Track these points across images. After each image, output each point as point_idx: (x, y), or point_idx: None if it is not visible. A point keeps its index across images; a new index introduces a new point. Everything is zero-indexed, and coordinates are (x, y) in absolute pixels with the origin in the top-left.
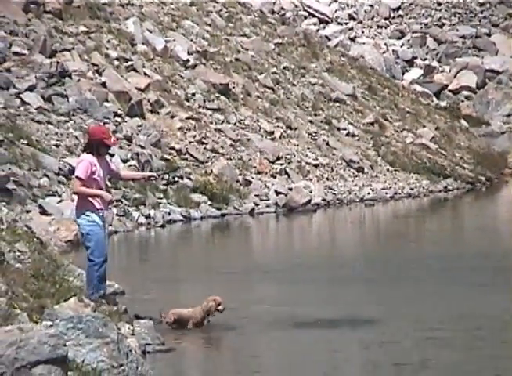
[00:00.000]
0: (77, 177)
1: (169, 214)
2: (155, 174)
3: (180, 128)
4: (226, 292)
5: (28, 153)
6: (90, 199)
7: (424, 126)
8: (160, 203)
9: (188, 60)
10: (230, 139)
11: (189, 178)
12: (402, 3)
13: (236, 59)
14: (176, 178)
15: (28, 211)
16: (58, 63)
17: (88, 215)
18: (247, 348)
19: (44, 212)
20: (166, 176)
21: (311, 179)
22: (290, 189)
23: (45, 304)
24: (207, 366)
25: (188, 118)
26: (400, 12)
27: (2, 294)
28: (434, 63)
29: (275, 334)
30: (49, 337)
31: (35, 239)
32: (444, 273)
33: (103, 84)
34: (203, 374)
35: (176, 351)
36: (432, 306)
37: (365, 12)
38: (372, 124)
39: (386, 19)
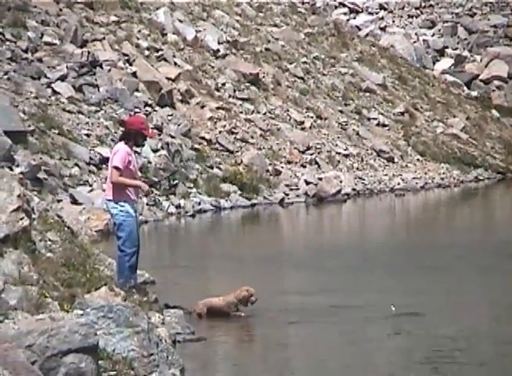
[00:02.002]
0: (115, 167)
1: (199, 203)
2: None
3: (210, 118)
4: (257, 281)
5: (59, 143)
6: (125, 189)
7: (455, 116)
8: (190, 192)
9: (218, 50)
10: (260, 128)
11: (219, 168)
12: None
13: (266, 49)
14: (175, 181)
15: (59, 201)
16: (89, 52)
17: (122, 206)
18: (278, 338)
19: (75, 202)
20: (165, 182)
21: (341, 169)
22: (320, 179)
23: (76, 293)
24: (237, 356)
25: (218, 108)
26: (431, 2)
27: (34, 283)
28: (465, 53)
29: (306, 325)
30: (80, 326)
31: (66, 228)
32: (479, 262)
33: (134, 74)
34: (233, 364)
35: (206, 340)
36: (468, 296)
37: (396, 1)
38: (402, 113)
39: (416, 8)
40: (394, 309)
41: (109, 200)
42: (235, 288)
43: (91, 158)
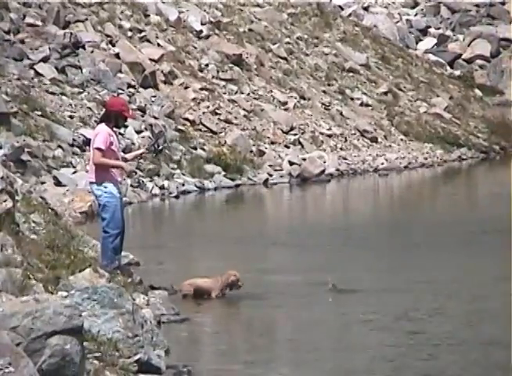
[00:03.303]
0: (97, 148)
1: (183, 185)
2: (144, 149)
3: (194, 99)
4: (241, 261)
5: (42, 125)
6: (109, 171)
7: (438, 95)
8: (174, 174)
9: (201, 31)
10: (244, 109)
11: (203, 149)
12: None
13: (250, 30)
14: (162, 145)
15: (43, 183)
16: (71, 34)
17: (105, 187)
18: (263, 318)
19: (58, 183)
20: (153, 148)
21: (324, 149)
22: (304, 159)
23: (60, 275)
24: (221, 336)
25: (201, 89)
26: None
27: (18, 265)
28: (448, 32)
29: (292, 304)
30: (65, 307)
31: (50, 210)
32: (457, 240)
33: (117, 56)
34: (218, 344)
35: (191, 321)
36: (446, 272)
37: None
38: (385, 93)
39: None
40: (331, 285)
41: (92, 182)
42: (220, 270)
43: (74, 140)
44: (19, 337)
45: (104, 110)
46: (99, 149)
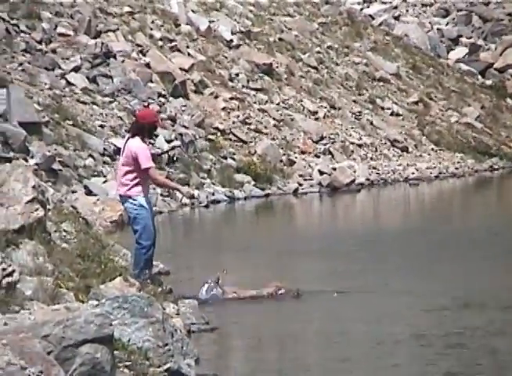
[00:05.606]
0: (149, 168)
1: (213, 194)
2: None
3: (224, 108)
4: (271, 270)
5: (73, 134)
6: (144, 184)
7: (469, 105)
8: (204, 183)
9: (231, 40)
10: (274, 119)
11: (233, 159)
12: None
13: (280, 39)
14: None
15: (74, 192)
16: (102, 43)
17: (135, 199)
18: (293, 327)
19: (89, 192)
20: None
21: (355, 159)
22: (334, 168)
23: (91, 284)
24: (251, 346)
25: (231, 98)
26: None
27: (49, 273)
28: (480, 42)
29: (321, 312)
30: (95, 316)
31: (81, 219)
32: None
33: (147, 65)
34: (248, 353)
35: (221, 330)
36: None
37: None
38: (416, 103)
39: None
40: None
41: (122, 195)
42: (254, 279)
43: (105, 149)
44: (50, 345)
45: (136, 122)
46: (150, 168)
